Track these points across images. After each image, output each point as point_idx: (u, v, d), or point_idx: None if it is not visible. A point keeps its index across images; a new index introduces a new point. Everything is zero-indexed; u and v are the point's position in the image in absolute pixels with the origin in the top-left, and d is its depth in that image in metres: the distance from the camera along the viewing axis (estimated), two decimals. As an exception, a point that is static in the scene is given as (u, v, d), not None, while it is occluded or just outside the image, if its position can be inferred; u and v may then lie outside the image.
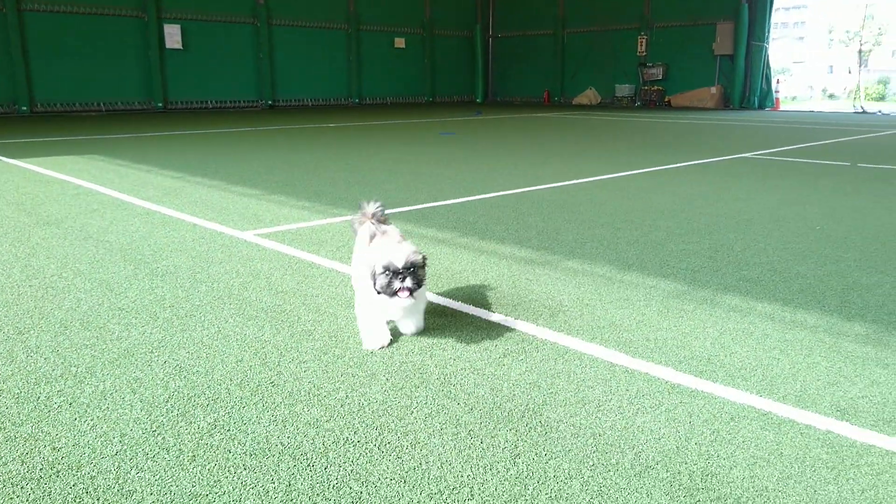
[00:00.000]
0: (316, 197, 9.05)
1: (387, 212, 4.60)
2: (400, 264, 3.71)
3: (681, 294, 5.01)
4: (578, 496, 2.68)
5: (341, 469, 2.87)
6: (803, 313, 4.61)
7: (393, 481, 2.78)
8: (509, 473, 2.83)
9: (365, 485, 2.76)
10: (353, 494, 2.70)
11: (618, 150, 15.49)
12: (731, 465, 2.89)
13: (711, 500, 2.66)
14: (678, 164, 12.76)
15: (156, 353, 3.98)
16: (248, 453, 2.98)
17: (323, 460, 2.93)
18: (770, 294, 5.01)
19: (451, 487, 2.74)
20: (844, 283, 5.25)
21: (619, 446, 3.02)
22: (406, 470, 2.86)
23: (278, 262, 5.84)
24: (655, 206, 8.46)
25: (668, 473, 2.83)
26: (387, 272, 3.71)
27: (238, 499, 2.66)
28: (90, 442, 3.04)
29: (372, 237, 4.23)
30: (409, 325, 4.20)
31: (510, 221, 7.56)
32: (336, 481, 2.79)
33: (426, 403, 3.41)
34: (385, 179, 10.73)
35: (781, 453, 2.97)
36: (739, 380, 3.64)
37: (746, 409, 3.34)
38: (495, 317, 4.54)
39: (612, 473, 2.83)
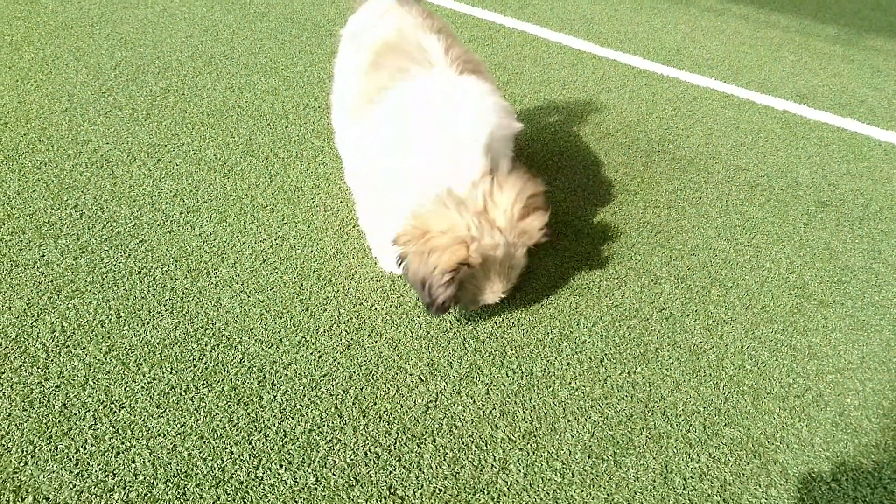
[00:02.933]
0: None
1: None
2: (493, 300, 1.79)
3: (656, -5, 4.77)
4: (540, 154, 2.73)
5: (302, 128, 2.83)
6: (778, 15, 4.47)
7: (355, 139, 2.78)
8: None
9: (327, 140, 2.75)
10: (314, 148, 2.70)
11: None
12: (688, 134, 2.94)
13: (666, 161, 2.74)
14: None
15: (97, 27, 3.69)
16: (205, 113, 2.90)
17: (283, 121, 2.88)
18: (747, -2, 4.81)
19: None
20: (824, -9, 5.06)
21: (583, 116, 3.03)
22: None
23: (224, -50, 5.29)
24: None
25: (627, 139, 2.88)
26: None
27: (199, 149, 2.64)
28: (36, 100, 2.91)
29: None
30: None
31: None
32: (297, 137, 2.76)
33: (388, 78, 3.31)
34: None
35: (738, 127, 3.03)
36: (706, 68, 3.60)
37: (709, 91, 3.34)
38: (462, 7, 4.28)
39: (572, 138, 2.87)
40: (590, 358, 1.81)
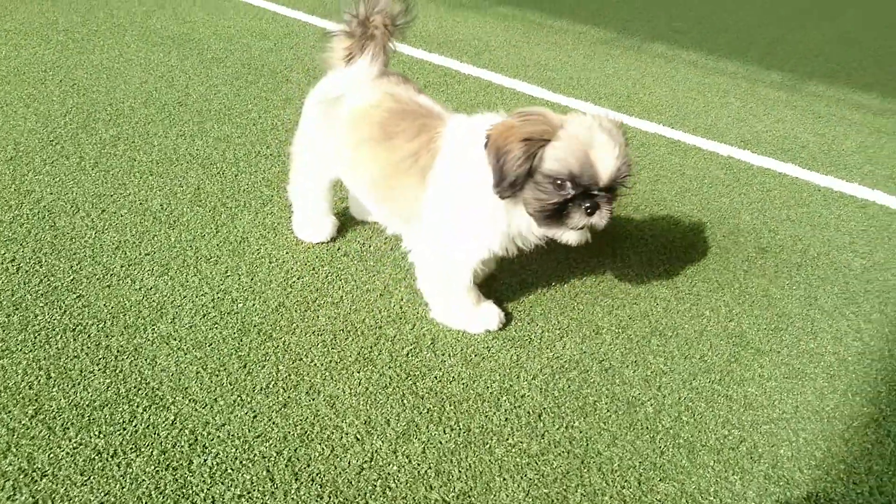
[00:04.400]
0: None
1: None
2: (606, 177, 1.74)
3: (610, 41, 4.90)
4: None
5: (252, 176, 2.83)
6: (726, 62, 4.61)
7: (305, 187, 2.79)
8: (422, 183, 2.87)
9: (276, 189, 2.75)
10: (263, 197, 2.69)
11: None
12: (636, 181, 3.00)
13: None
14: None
15: (50, 73, 3.68)
16: (155, 161, 2.88)
17: (233, 169, 2.88)
18: (697, 44, 4.96)
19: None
20: (771, 37, 5.23)
21: (531, 164, 3.08)
22: (318, 179, 2.86)
23: (185, -6, 5.32)
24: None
25: (575, 186, 2.92)
26: (573, 186, 1.72)
27: (145, 199, 2.62)
28: (-19, 149, 2.87)
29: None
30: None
31: (442, -31, 7.04)
32: (247, 186, 2.76)
33: (342, 125, 3.34)
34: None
35: (683, 173, 3.10)
36: (654, 114, 3.69)
37: (657, 137, 3.42)
38: (419, 53, 4.35)
39: (521, 185, 2.91)
40: (528, 412, 1.81)
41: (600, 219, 1.76)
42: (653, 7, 5.92)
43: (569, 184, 1.72)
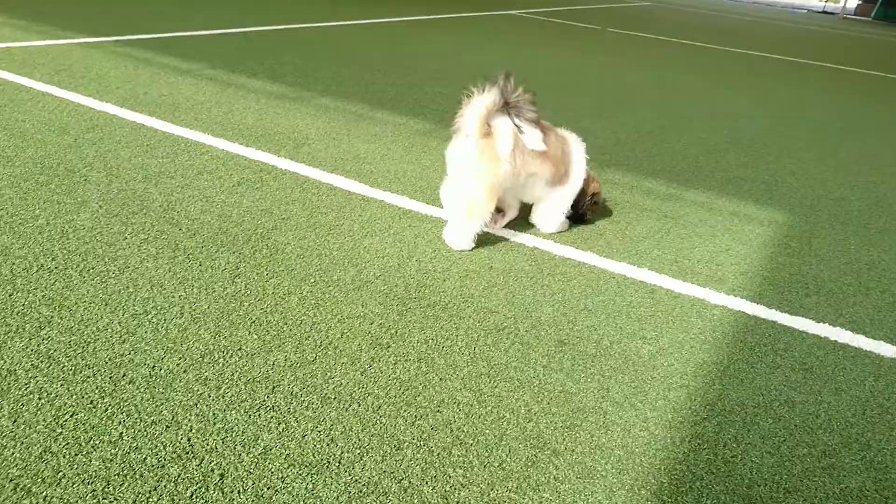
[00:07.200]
0: (37, 16, 7.68)
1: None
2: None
3: (428, 132, 5.09)
4: (295, 309, 2.69)
5: (30, 295, 2.58)
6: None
7: (92, 304, 2.57)
8: (225, 292, 2.75)
9: (58, 309, 2.52)
10: (41, 319, 2.45)
11: (395, -2, 15.06)
12: (445, 277, 3.07)
13: (421, 308, 2.81)
14: (447, 15, 12.76)
15: None
16: None
17: (8, 287, 2.61)
18: (509, 134, 5.27)
19: (159, 307, 2.60)
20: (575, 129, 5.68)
21: (343, 265, 3.06)
22: (109, 293, 2.65)
23: (-25, 83, 4.91)
24: (420, 51, 8.42)
25: (386, 286, 2.93)
26: None
27: None
28: None
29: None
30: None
31: (265, 57, 7.07)
32: (22, 307, 2.50)
33: (143, 230, 3.16)
34: (124, 2, 9.40)
35: (491, 267, 3.21)
36: (467, 206, 3.82)
37: (468, 231, 3.54)
38: (235, 147, 4.27)
39: (331, 288, 2.87)
40: (320, 549, 1.72)
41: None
42: (471, 97, 6.26)
43: None
